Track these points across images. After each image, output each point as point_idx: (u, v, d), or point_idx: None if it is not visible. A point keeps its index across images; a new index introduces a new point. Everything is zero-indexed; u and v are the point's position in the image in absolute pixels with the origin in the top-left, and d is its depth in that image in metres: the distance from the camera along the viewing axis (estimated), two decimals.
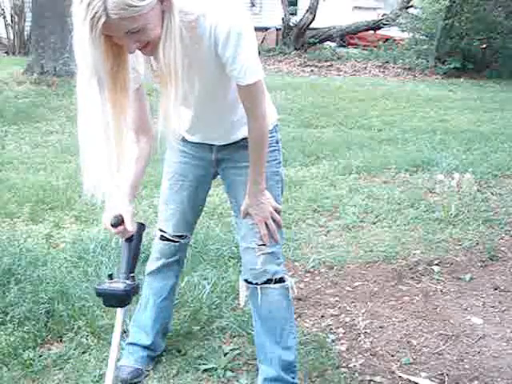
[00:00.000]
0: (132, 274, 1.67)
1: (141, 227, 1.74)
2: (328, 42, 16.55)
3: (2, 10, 13.08)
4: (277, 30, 16.36)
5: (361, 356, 2.30)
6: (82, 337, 2.29)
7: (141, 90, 1.71)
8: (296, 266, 3.06)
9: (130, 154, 1.73)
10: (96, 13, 1.32)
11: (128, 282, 1.63)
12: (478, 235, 3.48)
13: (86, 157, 1.52)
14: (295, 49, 15.18)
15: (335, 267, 3.05)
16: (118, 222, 1.66)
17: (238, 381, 2.08)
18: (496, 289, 2.87)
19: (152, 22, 1.39)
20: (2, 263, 2.68)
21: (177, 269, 2.15)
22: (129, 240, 1.71)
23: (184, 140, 1.92)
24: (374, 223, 3.67)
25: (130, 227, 1.68)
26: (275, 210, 1.85)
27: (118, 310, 1.68)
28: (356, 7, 22.08)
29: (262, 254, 1.85)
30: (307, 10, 15.31)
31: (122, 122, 1.54)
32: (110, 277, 1.64)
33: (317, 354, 2.26)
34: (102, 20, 1.33)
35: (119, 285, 1.62)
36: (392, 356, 2.30)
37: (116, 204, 1.68)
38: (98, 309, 2.44)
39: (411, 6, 15.11)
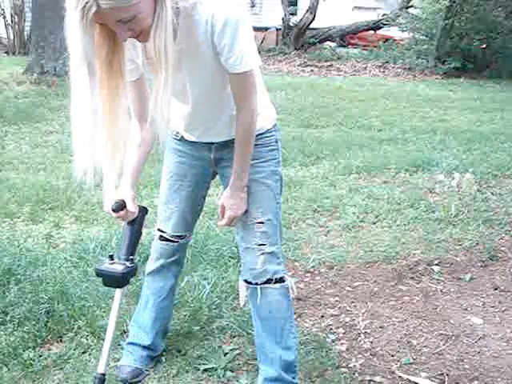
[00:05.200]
0: (132, 257, 1.70)
1: (143, 211, 1.78)
2: (328, 42, 16.56)
3: (2, 10, 13.09)
4: (277, 30, 16.37)
5: (361, 356, 2.29)
6: (82, 337, 2.28)
7: (141, 81, 1.72)
8: (296, 266, 3.06)
9: (134, 140, 1.77)
10: (87, 3, 1.33)
11: (127, 264, 1.67)
12: (477, 235, 3.48)
13: (76, 140, 1.53)
14: (295, 49, 15.19)
15: (335, 267, 3.05)
16: (119, 206, 1.68)
17: (238, 381, 2.08)
18: (496, 289, 2.87)
19: (143, 11, 1.40)
20: (2, 263, 2.68)
21: (176, 269, 2.15)
22: (131, 223, 1.75)
23: (182, 140, 1.92)
24: (374, 223, 3.67)
25: (133, 209, 1.72)
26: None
27: (117, 290, 1.72)
28: (356, 7, 22.06)
29: (262, 253, 1.85)
30: (307, 10, 15.32)
31: (115, 107, 1.54)
32: (111, 257, 1.67)
33: (317, 354, 2.25)
34: (93, 10, 1.34)
35: (118, 267, 1.66)
36: (392, 356, 2.30)
37: (119, 188, 1.72)
38: (98, 309, 2.44)
39: (411, 6, 15.12)
